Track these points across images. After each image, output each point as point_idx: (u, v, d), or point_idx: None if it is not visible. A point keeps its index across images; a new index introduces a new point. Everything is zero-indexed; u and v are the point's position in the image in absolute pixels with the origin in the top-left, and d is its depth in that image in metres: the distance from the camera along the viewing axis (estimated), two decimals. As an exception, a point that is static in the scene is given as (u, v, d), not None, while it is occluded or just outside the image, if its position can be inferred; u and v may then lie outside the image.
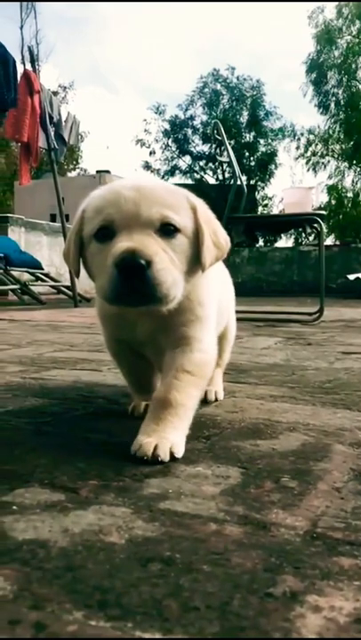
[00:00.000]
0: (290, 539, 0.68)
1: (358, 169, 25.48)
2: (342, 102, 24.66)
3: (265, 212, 27.79)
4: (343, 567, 0.61)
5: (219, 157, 5.07)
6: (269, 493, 0.83)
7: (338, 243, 19.13)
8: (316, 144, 25.85)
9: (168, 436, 0.99)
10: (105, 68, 54.66)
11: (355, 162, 25.20)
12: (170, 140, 28.66)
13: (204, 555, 0.63)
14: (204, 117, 28.35)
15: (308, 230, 4.54)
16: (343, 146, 25.37)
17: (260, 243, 21.67)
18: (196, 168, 29.25)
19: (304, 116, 49.51)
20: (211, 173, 29.00)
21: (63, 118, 7.13)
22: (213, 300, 1.18)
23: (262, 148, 28.50)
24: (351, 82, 24.47)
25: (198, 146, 28.82)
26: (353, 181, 26.03)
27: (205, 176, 29.03)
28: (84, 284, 6.37)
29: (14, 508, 0.76)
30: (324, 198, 24.85)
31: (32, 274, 7.87)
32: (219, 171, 27.95)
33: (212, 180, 28.42)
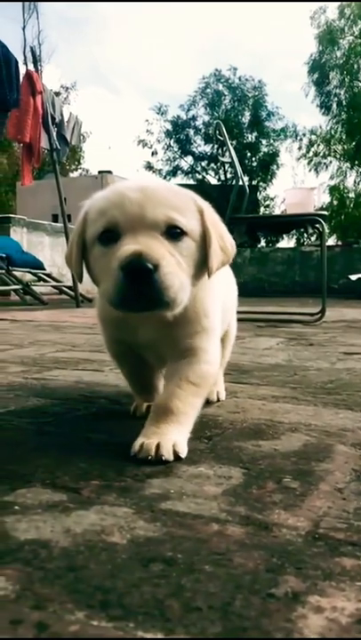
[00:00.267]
0: (292, 539, 0.68)
1: (360, 169, 25.46)
2: (344, 103, 24.66)
3: (267, 212, 27.78)
4: (345, 568, 0.61)
5: (221, 158, 5.06)
6: (271, 494, 0.82)
7: (340, 243, 19.11)
8: (318, 144, 25.86)
9: (170, 436, 0.99)
10: (107, 69, 54.75)
11: (357, 162, 25.19)
12: (172, 140, 28.69)
13: (206, 555, 0.63)
14: (206, 118, 28.39)
15: (310, 231, 4.54)
16: (345, 146, 25.37)
17: (262, 243, 21.65)
18: (198, 168, 29.28)
19: (306, 116, 49.61)
20: (213, 174, 29.03)
21: (65, 119, 7.14)
22: (218, 306, 1.17)
23: (264, 149, 28.52)
24: (353, 82, 24.46)
25: (200, 146, 28.87)
26: (355, 182, 26.05)
27: (207, 176, 29.05)
28: (86, 284, 6.36)
29: (16, 508, 0.76)
30: (326, 199, 24.84)
31: (34, 274, 7.87)
32: (221, 171, 27.96)
33: (213, 181, 28.42)
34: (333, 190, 25.24)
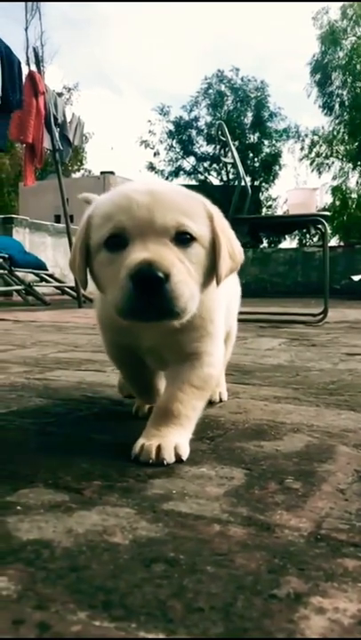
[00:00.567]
0: (294, 540, 0.67)
1: (363, 170, 25.44)
2: (347, 103, 24.65)
3: (269, 213, 27.77)
4: (347, 569, 0.61)
5: (223, 158, 5.06)
6: (273, 494, 0.82)
7: (342, 244, 19.10)
8: (321, 145, 25.85)
9: (171, 438, 0.98)
10: (109, 70, 54.82)
11: (359, 163, 25.17)
12: (174, 140, 28.69)
13: (208, 556, 0.63)
14: (209, 118, 28.40)
15: (313, 231, 4.54)
16: (347, 147, 25.35)
17: (265, 244, 21.67)
18: (201, 169, 29.27)
19: (308, 117, 49.64)
20: (215, 174, 29.03)
21: (68, 119, 7.15)
22: (223, 309, 1.15)
23: (266, 149, 28.51)
24: (356, 83, 24.44)
25: (202, 147, 28.87)
26: (357, 182, 26.03)
27: (210, 177, 29.05)
28: (89, 284, 6.35)
29: (18, 508, 0.76)
30: (328, 199, 24.82)
31: (36, 274, 7.88)
32: (223, 172, 27.96)
33: (216, 181, 28.43)
34: (336, 191, 25.22)
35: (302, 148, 26.45)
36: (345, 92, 24.72)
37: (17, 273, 7.31)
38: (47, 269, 8.10)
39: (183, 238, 0.93)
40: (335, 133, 25.57)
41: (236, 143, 23.57)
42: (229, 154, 4.81)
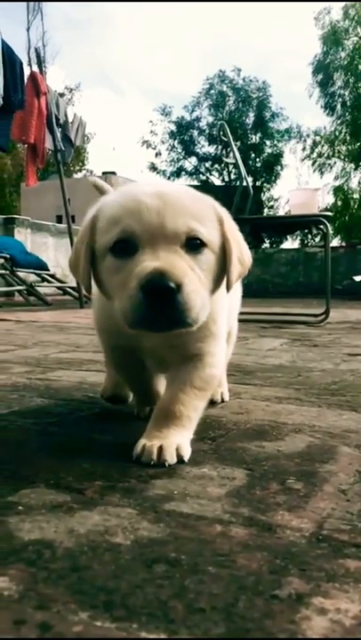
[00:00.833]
0: (295, 541, 0.67)
1: (365, 170, 25.42)
2: (349, 103, 24.62)
3: (271, 213, 27.76)
4: (349, 569, 0.60)
5: (225, 159, 5.07)
6: (275, 495, 0.82)
7: (344, 244, 19.07)
8: (323, 145, 25.82)
9: (173, 439, 0.98)
10: (111, 70, 54.85)
11: (361, 163, 25.16)
12: (176, 141, 28.68)
13: (210, 556, 0.63)
14: (210, 119, 28.38)
15: (314, 232, 4.54)
16: (349, 147, 25.33)
17: (266, 244, 21.67)
18: (202, 169, 29.27)
19: (310, 117, 49.65)
20: (217, 175, 29.01)
21: (69, 120, 7.15)
22: (225, 310, 1.14)
23: (268, 150, 28.48)
24: (358, 83, 24.41)
25: (204, 147, 28.84)
26: (359, 183, 26.00)
27: (211, 177, 29.04)
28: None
29: (20, 508, 0.76)
30: (330, 200, 24.81)
31: (38, 275, 7.89)
32: (225, 172, 27.91)
33: (217, 182, 28.41)
34: (338, 191, 25.20)
35: (304, 149, 26.44)
36: (347, 93, 24.69)
37: (18, 273, 7.32)
38: (49, 270, 8.11)
39: (193, 244, 0.90)
40: (337, 134, 25.55)
41: (238, 143, 23.60)
42: (231, 154, 4.81)
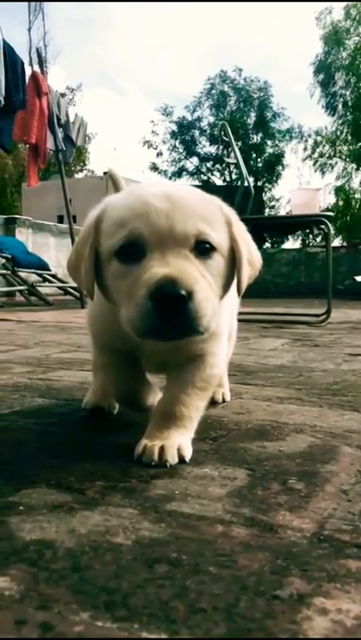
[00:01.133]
0: (297, 541, 0.67)
1: (366, 170, 25.40)
2: (350, 103, 24.60)
3: (272, 213, 27.75)
4: (350, 570, 0.60)
5: (226, 159, 5.07)
6: (276, 495, 0.82)
7: (345, 244, 19.06)
8: (324, 145, 25.80)
9: (174, 440, 0.98)
10: (112, 70, 54.85)
11: (362, 163, 25.13)
12: (177, 141, 28.69)
13: (211, 556, 0.63)
14: (212, 119, 28.39)
15: (316, 232, 4.54)
16: (351, 147, 25.30)
17: (268, 244, 21.66)
18: (204, 169, 29.28)
19: (311, 117, 49.57)
20: (218, 175, 29.02)
21: (71, 120, 7.16)
22: (227, 309, 1.12)
23: (270, 150, 28.48)
24: (359, 83, 24.39)
25: (205, 147, 28.86)
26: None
27: (213, 177, 29.05)
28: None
29: (21, 508, 0.76)
30: (331, 200, 24.80)
31: (39, 275, 7.89)
32: (226, 172, 27.95)
33: (219, 182, 28.42)
34: (339, 191, 25.17)
35: (305, 149, 26.41)
36: (348, 93, 24.67)
37: (20, 273, 7.32)
38: (50, 270, 8.11)
39: (203, 248, 0.87)
40: (338, 134, 25.53)
41: (239, 143, 23.60)
42: (232, 154, 4.81)
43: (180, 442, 0.98)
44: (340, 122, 25.28)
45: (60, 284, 8.24)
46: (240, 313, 1.53)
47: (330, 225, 4.26)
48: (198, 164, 29.23)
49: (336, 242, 21.85)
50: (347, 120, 25.03)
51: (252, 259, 0.98)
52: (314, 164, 25.95)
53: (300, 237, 22.95)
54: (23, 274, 7.45)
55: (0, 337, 3.17)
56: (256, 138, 28.45)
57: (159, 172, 28.52)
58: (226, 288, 0.95)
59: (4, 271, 7.26)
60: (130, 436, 1.08)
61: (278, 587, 0.57)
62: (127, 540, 0.67)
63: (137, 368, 1.13)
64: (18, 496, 0.81)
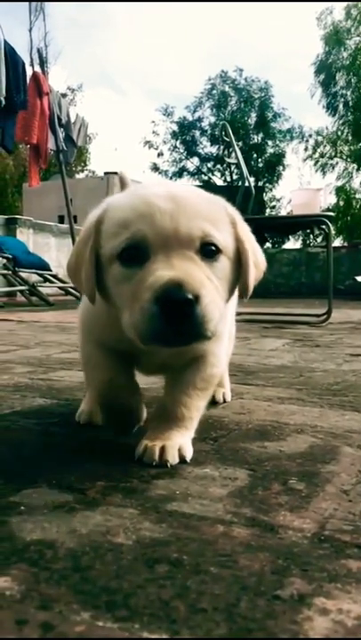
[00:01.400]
0: (297, 541, 0.67)
1: (367, 170, 25.40)
2: (351, 103, 24.60)
3: (273, 213, 27.74)
4: (351, 570, 0.60)
5: (227, 159, 5.08)
6: (277, 495, 0.82)
7: (346, 244, 19.05)
8: (325, 145, 25.81)
9: (175, 440, 0.98)
10: (112, 70, 54.82)
11: (363, 163, 25.12)
12: (178, 141, 28.69)
13: (212, 556, 0.63)
14: (213, 119, 28.39)
15: (316, 232, 4.54)
16: (352, 147, 25.30)
17: (268, 244, 21.65)
18: (204, 169, 29.28)
19: (312, 117, 49.51)
20: (219, 175, 29.03)
21: (72, 120, 7.17)
22: (228, 310, 1.09)
23: (270, 150, 28.48)
24: (360, 83, 24.40)
25: (206, 147, 28.86)
26: (361, 183, 25.97)
27: (213, 177, 29.05)
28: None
29: (22, 508, 0.76)
30: (332, 200, 24.81)
31: (40, 275, 7.89)
32: (227, 172, 27.95)
33: (219, 182, 28.41)
34: (340, 191, 25.17)
35: (306, 149, 26.41)
36: (349, 93, 24.67)
37: (21, 273, 7.32)
38: (51, 270, 8.11)
39: (209, 250, 0.84)
40: (339, 134, 25.53)
41: (240, 144, 23.59)
42: (233, 154, 4.82)
43: (180, 442, 0.98)
44: (340, 122, 25.30)
45: (61, 285, 8.23)
46: (241, 313, 1.53)
47: (331, 225, 4.26)
48: (199, 165, 29.25)
49: (337, 242, 21.85)
50: (348, 120, 25.03)
51: (257, 260, 0.96)
52: (315, 165, 25.96)
53: (301, 237, 22.93)
54: (24, 274, 7.45)
55: (1, 337, 3.17)
56: (257, 138, 28.45)
57: (160, 173, 28.54)
58: (231, 291, 0.92)
59: (5, 271, 7.25)
60: (130, 437, 1.08)
61: (279, 587, 0.57)
62: (128, 540, 0.67)
63: (127, 368, 1.07)
64: (19, 496, 0.81)
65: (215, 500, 0.80)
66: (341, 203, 25.05)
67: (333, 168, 25.74)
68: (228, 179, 27.68)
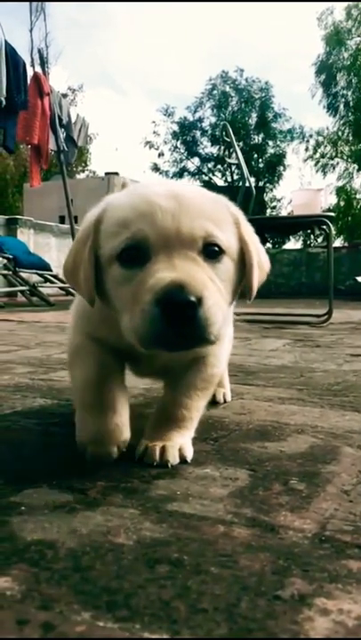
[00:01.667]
0: (298, 541, 0.67)
1: (367, 170, 25.39)
2: (351, 104, 24.59)
3: (273, 213, 27.73)
4: (352, 570, 0.60)
5: (227, 159, 5.08)
6: (278, 496, 0.82)
7: (346, 244, 19.05)
8: (325, 146, 25.80)
9: (176, 440, 0.98)
10: (113, 70, 54.81)
11: (364, 163, 25.12)
12: (178, 141, 28.70)
13: (212, 557, 0.63)
14: (213, 119, 28.40)
15: (317, 232, 4.53)
16: (352, 147, 25.30)
17: (269, 244, 21.64)
18: (205, 170, 29.28)
19: (313, 117, 49.55)
20: (219, 175, 29.02)
21: (72, 120, 7.17)
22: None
23: (271, 150, 28.48)
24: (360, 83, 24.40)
25: (207, 147, 28.87)
26: (362, 183, 25.95)
27: (214, 178, 29.04)
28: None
29: (23, 508, 0.77)
30: (332, 200, 24.80)
31: (41, 275, 7.89)
32: (227, 172, 27.94)
33: (220, 182, 28.41)
34: (340, 192, 25.17)
35: (307, 149, 26.40)
36: (350, 93, 24.66)
37: (21, 274, 7.32)
38: (51, 270, 8.10)
39: (211, 251, 0.82)
40: (340, 134, 25.53)
41: (241, 144, 23.60)
42: (234, 154, 4.82)
43: (181, 442, 0.98)
44: (341, 122, 25.29)
45: (62, 285, 8.23)
46: (241, 313, 1.53)
47: (331, 225, 4.26)
48: (200, 165, 29.25)
49: (337, 242, 21.85)
50: (348, 120, 25.03)
51: (260, 261, 0.93)
52: (315, 165, 25.96)
53: (302, 238, 22.91)
54: (25, 274, 7.45)
55: (1, 337, 3.17)
56: (257, 138, 28.45)
57: (160, 173, 28.54)
58: (235, 293, 0.90)
59: (6, 271, 7.25)
60: (131, 437, 1.08)
61: (280, 587, 0.57)
62: (129, 541, 0.67)
63: (119, 370, 1.01)
64: (19, 496, 0.81)
65: (216, 500, 0.80)
66: (342, 203, 25.04)
67: (334, 168, 25.74)
68: (229, 179, 27.67)
